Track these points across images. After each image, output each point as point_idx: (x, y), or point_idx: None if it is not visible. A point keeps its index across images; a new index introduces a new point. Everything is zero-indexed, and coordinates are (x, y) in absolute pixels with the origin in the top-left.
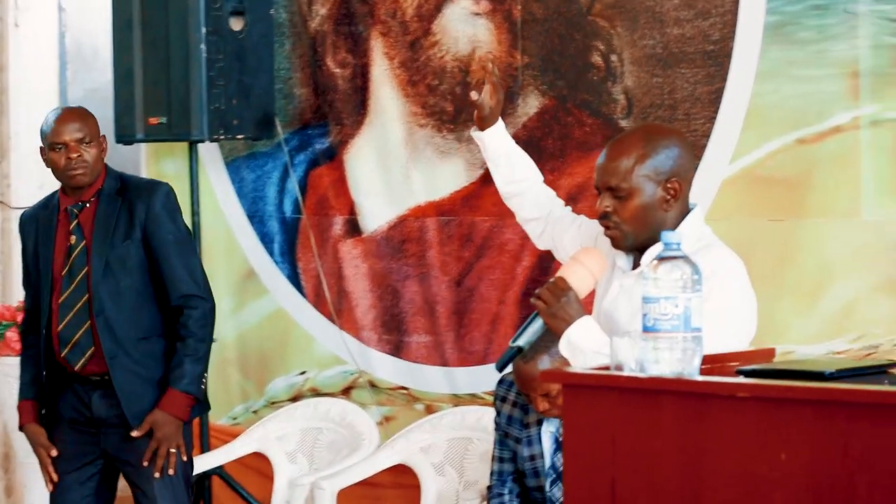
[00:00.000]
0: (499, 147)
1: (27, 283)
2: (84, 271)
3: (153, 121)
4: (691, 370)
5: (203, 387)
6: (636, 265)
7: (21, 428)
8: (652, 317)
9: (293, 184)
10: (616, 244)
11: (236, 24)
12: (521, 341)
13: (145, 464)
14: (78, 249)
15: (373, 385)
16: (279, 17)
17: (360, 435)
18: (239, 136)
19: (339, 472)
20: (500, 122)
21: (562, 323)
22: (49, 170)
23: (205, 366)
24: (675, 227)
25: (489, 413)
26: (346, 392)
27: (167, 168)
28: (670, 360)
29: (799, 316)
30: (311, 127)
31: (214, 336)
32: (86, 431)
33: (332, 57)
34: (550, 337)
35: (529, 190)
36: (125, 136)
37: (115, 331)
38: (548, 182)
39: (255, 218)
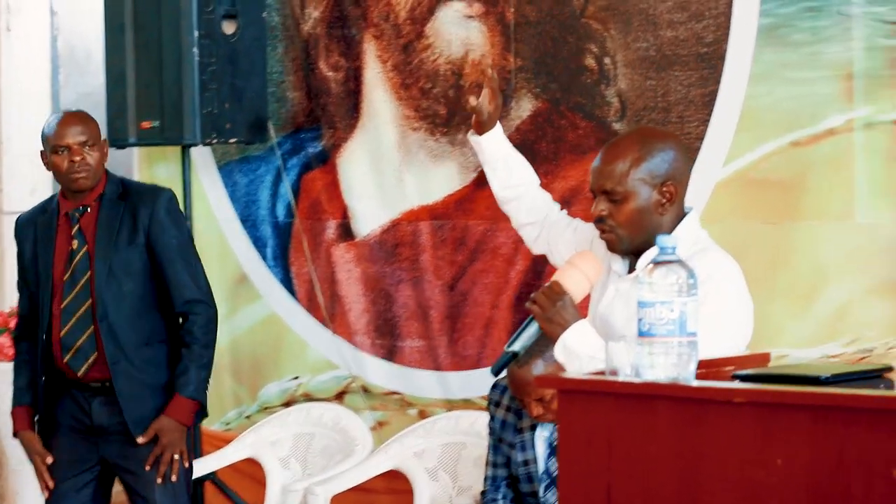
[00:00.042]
0: (496, 151)
1: (23, 287)
2: (87, 276)
3: (146, 125)
4: (687, 375)
5: (206, 393)
6: (632, 269)
7: (15, 435)
8: (647, 321)
9: (286, 188)
10: (611, 248)
11: (229, 28)
12: (517, 346)
13: (147, 468)
14: (80, 254)
15: (366, 390)
16: (272, 20)
17: (354, 440)
18: (232, 140)
19: (333, 478)
20: (497, 127)
21: (557, 327)
22: (42, 174)
23: (209, 372)
24: (670, 230)
25: (483, 418)
26: (339, 397)
27: (160, 172)
28: (666, 365)
29: (793, 319)
30: (303, 130)
31: None
32: (84, 439)
33: (324, 60)
34: (545, 341)
35: (526, 194)
36: (118, 140)
37: (118, 336)
38: (541, 185)
39: (248, 222)
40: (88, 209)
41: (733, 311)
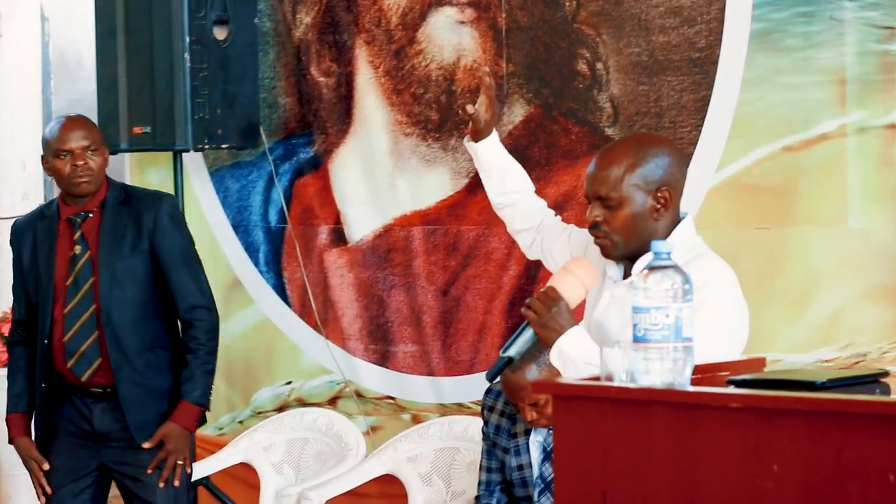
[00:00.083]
0: (492, 159)
1: (19, 292)
2: (90, 281)
3: (137, 130)
4: (682, 380)
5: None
6: (627, 275)
7: (11, 441)
8: (642, 327)
9: (278, 193)
10: (606, 254)
11: (220, 34)
12: (512, 351)
13: (149, 471)
14: (83, 259)
15: (359, 395)
16: (263, 25)
17: (347, 445)
18: (223, 146)
19: (326, 483)
20: (493, 134)
21: (552, 333)
22: (34, 179)
23: (213, 377)
24: (665, 236)
25: (476, 423)
26: (332, 402)
27: (151, 178)
28: (661, 371)
29: (786, 324)
30: (295, 136)
31: None
32: (83, 445)
33: (316, 66)
34: (539, 347)
35: (521, 201)
36: (109, 146)
37: (121, 342)
38: (534, 191)
39: (240, 227)
40: (90, 215)
41: (729, 316)
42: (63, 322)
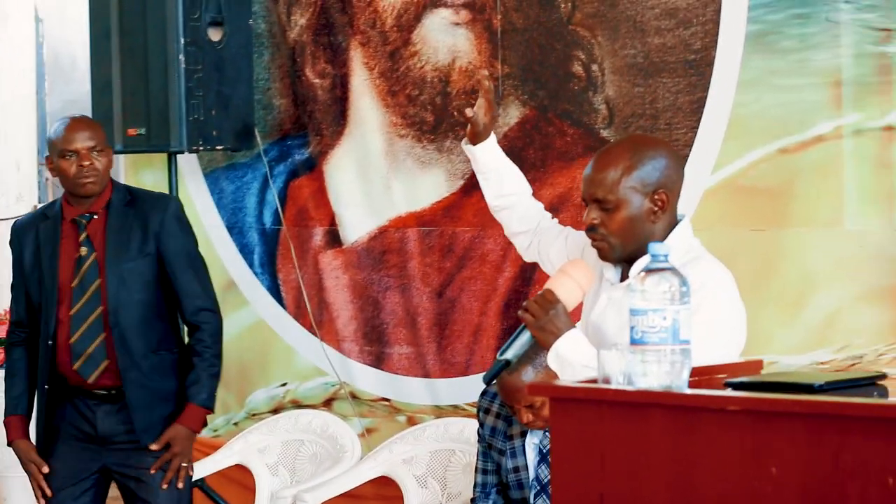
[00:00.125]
0: (490, 162)
1: (19, 293)
2: (96, 283)
3: (132, 132)
4: (680, 383)
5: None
6: (624, 277)
7: (10, 444)
8: (640, 329)
9: (273, 195)
10: (603, 256)
11: (215, 35)
12: (509, 354)
13: (152, 471)
14: (89, 261)
15: (354, 397)
16: (258, 27)
17: (342, 447)
18: (218, 147)
19: (322, 485)
20: (492, 137)
21: (550, 336)
22: (28, 181)
23: (219, 380)
24: (663, 238)
25: (472, 425)
26: (327, 404)
27: (146, 179)
28: (658, 373)
29: (782, 326)
30: (290, 137)
31: None
32: (85, 448)
33: (311, 67)
34: (536, 349)
35: (519, 204)
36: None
37: (128, 343)
38: None
39: (235, 229)
40: (95, 216)
41: (726, 319)
42: (69, 323)
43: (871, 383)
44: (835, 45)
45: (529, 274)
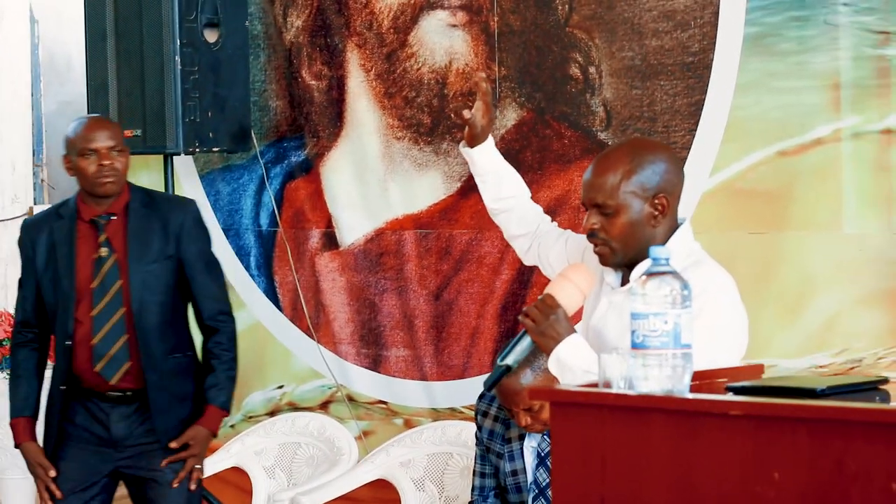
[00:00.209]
0: (487, 164)
1: (28, 293)
2: (118, 284)
3: (128, 133)
4: (681, 387)
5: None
6: (625, 281)
7: (17, 446)
8: (641, 333)
9: (269, 197)
10: (604, 261)
11: (211, 36)
12: (510, 360)
13: (163, 465)
14: (109, 262)
15: (351, 399)
16: (254, 28)
17: (339, 450)
18: (214, 149)
19: (319, 487)
20: (489, 139)
21: (550, 341)
22: (24, 182)
23: (235, 383)
24: (663, 242)
25: (469, 428)
26: (324, 406)
27: (142, 181)
28: (660, 378)
29: (781, 330)
30: (287, 139)
31: None
32: (96, 451)
33: (307, 69)
34: (536, 353)
35: (517, 206)
36: None
37: (150, 345)
38: None
39: (231, 231)
40: (114, 217)
41: (728, 323)
42: (90, 324)
43: (872, 388)
44: (833, 47)
45: (527, 276)
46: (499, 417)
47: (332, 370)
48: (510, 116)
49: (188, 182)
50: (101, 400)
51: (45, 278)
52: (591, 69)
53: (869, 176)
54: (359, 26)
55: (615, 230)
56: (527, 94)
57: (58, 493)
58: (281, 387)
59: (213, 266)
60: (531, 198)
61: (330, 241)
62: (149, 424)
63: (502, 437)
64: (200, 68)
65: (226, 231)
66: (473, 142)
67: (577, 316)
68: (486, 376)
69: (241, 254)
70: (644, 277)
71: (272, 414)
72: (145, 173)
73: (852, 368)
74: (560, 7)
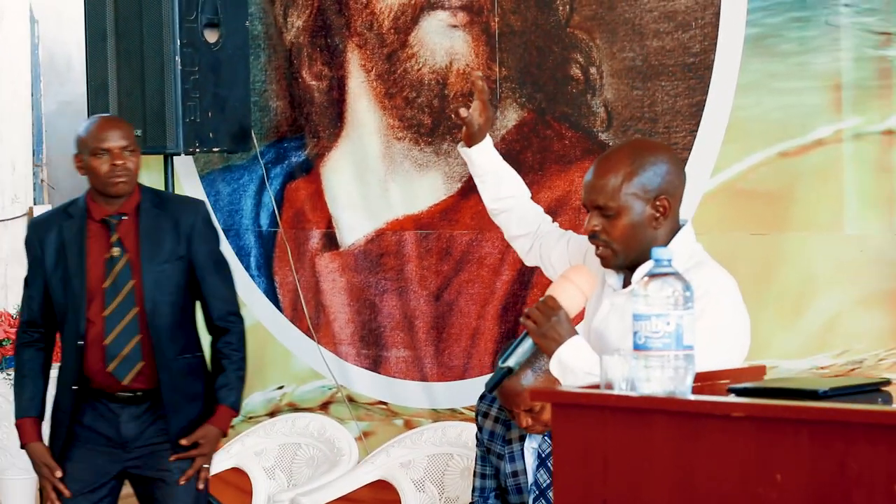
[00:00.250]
0: (486, 164)
1: (36, 293)
2: (130, 284)
3: None
4: (683, 389)
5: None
6: (627, 283)
7: (23, 446)
8: (643, 334)
9: (269, 197)
10: (606, 263)
11: (211, 37)
12: (511, 361)
13: (171, 459)
14: (121, 262)
15: (351, 400)
16: (254, 29)
17: (339, 450)
18: (214, 149)
19: (319, 488)
20: (487, 139)
21: (552, 343)
22: (24, 182)
23: (245, 383)
24: (665, 243)
25: (470, 428)
26: (324, 407)
27: (142, 181)
28: (662, 379)
29: (782, 331)
30: (287, 140)
31: None
32: (105, 452)
33: (308, 69)
34: (537, 354)
35: (517, 207)
36: None
37: (162, 346)
38: None
39: (231, 231)
40: (125, 217)
41: (729, 324)
42: (102, 324)
43: (875, 389)
44: (834, 48)
45: (527, 277)
46: (499, 418)
47: (332, 371)
48: (511, 117)
49: (188, 182)
50: (110, 400)
51: (54, 277)
52: (592, 70)
53: (870, 177)
54: (359, 27)
55: (617, 232)
56: (527, 95)
57: (66, 492)
58: (281, 387)
59: (223, 267)
60: (531, 198)
61: (330, 241)
62: (159, 424)
63: (503, 438)
64: (201, 68)
65: (226, 231)
66: (471, 141)
67: (579, 317)
68: (486, 377)
69: (242, 254)
70: (646, 279)
71: (272, 414)
72: (145, 173)
73: (853, 370)
74: (561, 7)
